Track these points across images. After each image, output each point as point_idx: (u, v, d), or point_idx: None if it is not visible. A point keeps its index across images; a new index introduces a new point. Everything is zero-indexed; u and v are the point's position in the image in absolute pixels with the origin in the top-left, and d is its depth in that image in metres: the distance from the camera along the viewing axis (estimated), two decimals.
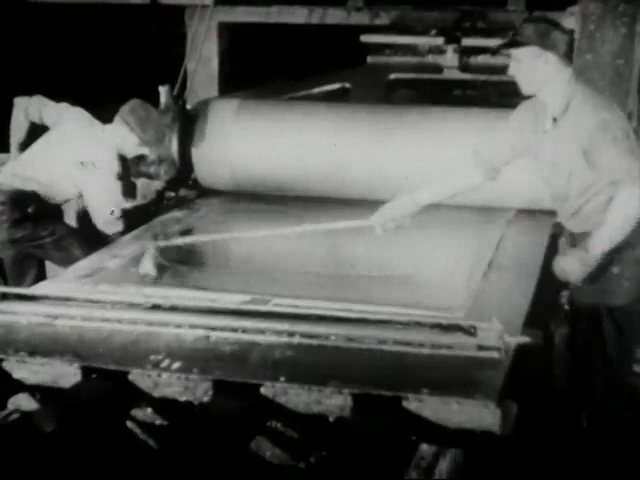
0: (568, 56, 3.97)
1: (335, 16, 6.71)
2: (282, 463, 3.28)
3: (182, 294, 3.83)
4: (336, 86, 6.46)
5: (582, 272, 3.91)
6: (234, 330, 3.44)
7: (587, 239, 3.89)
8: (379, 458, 3.20)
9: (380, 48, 6.91)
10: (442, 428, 2.95)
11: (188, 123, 5.57)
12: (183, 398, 3.12)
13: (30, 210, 4.98)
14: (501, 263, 4.26)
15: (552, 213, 4.50)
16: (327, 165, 5.30)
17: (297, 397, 3.04)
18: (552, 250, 4.66)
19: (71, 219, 5.37)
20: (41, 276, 5.13)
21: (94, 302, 3.68)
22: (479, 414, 2.91)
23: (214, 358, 3.27)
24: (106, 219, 4.96)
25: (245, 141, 5.44)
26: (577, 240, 4.14)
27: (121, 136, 5.00)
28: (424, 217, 4.53)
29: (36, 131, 5.18)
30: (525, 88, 3.99)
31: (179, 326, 3.49)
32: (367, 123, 5.35)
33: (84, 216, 5.20)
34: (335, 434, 3.16)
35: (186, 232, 4.78)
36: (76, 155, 4.92)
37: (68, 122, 5.06)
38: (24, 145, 5.17)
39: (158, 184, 5.65)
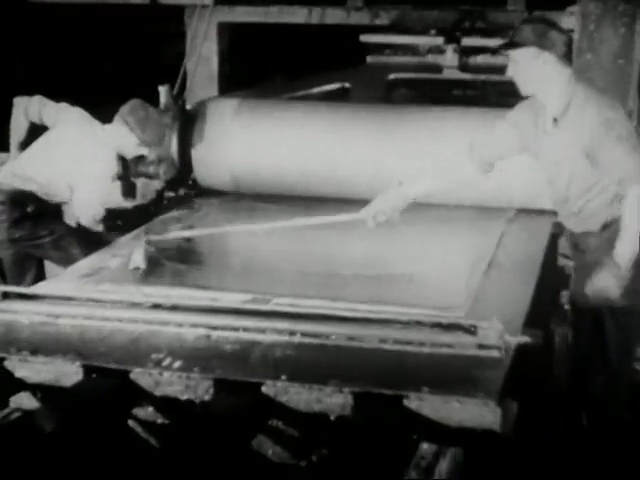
0: (567, 56, 3.97)
1: (335, 16, 6.71)
2: (283, 461, 3.30)
3: (183, 293, 3.84)
4: (336, 86, 6.48)
5: (619, 286, 3.86)
6: (235, 329, 3.45)
7: (612, 253, 3.85)
8: (380, 457, 3.21)
9: (380, 48, 6.93)
10: (443, 427, 2.95)
11: (188, 123, 5.56)
12: (184, 397, 3.12)
13: (29, 210, 4.97)
14: (501, 262, 4.26)
15: (552, 213, 4.51)
16: (327, 165, 5.30)
17: (298, 396, 3.03)
18: (552, 250, 4.67)
19: (70, 219, 5.36)
20: (41, 276, 5.12)
21: (95, 301, 3.69)
22: (479, 413, 2.91)
23: (215, 357, 3.27)
24: (89, 218, 4.96)
25: (245, 141, 5.44)
26: (578, 240, 4.15)
27: (121, 136, 5.00)
28: (425, 216, 4.55)
29: (36, 131, 5.17)
30: (524, 89, 4.00)
31: (180, 325, 3.49)
32: (367, 123, 5.35)
33: None
34: (336, 433, 3.17)
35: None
36: (75, 155, 4.92)
37: (68, 122, 5.06)
38: (24, 145, 5.17)
39: (158, 184, 5.64)
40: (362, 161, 5.24)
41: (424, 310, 3.58)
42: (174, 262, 4.36)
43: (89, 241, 4.92)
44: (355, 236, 4.47)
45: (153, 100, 5.42)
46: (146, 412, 3.33)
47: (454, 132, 5.10)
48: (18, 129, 5.17)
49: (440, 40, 6.54)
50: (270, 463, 3.30)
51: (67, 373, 3.20)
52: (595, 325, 4.12)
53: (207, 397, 3.10)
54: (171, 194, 5.74)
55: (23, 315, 3.60)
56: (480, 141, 4.21)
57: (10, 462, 3.25)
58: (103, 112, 5.09)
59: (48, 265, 5.23)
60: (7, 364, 3.26)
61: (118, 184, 5.40)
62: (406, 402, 2.96)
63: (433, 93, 6.40)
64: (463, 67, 6.49)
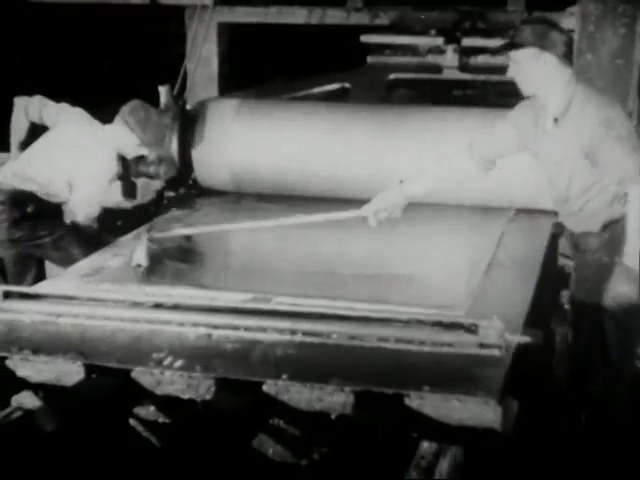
0: (567, 56, 3.97)
1: (335, 16, 6.72)
2: (284, 460, 3.30)
3: (184, 292, 3.85)
4: (336, 86, 6.48)
5: (636, 289, 3.90)
6: (236, 328, 3.46)
7: (621, 255, 3.88)
8: (380, 456, 3.21)
9: (380, 48, 6.92)
10: (443, 425, 2.96)
11: (188, 123, 5.57)
12: (186, 396, 3.13)
13: (29, 210, 4.97)
14: (502, 262, 4.27)
15: (552, 212, 4.51)
16: (327, 165, 5.31)
17: (299, 395, 3.04)
18: (552, 249, 4.68)
19: (67, 216, 5.36)
20: (41, 276, 5.12)
21: (97, 301, 3.70)
22: (480, 411, 2.91)
23: (216, 356, 3.27)
24: (82, 215, 4.96)
25: (245, 141, 5.45)
26: (578, 240, 4.15)
27: (121, 136, 5.00)
28: (425, 216, 4.55)
29: (36, 131, 5.17)
30: (525, 89, 4.00)
31: (181, 324, 3.50)
32: (367, 123, 5.36)
33: None
34: (337, 432, 3.17)
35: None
36: (75, 155, 4.92)
37: (68, 122, 5.05)
38: (24, 145, 5.16)
39: (158, 184, 5.65)
40: (362, 161, 5.24)
41: (425, 309, 3.59)
42: (175, 261, 4.38)
43: (89, 241, 4.92)
44: (356, 236, 4.48)
45: (153, 100, 5.42)
46: (147, 411, 3.34)
47: (454, 132, 5.10)
48: (18, 129, 5.16)
49: (440, 40, 6.54)
50: (271, 462, 3.30)
51: (68, 372, 3.21)
52: (595, 325, 4.12)
53: (208, 396, 3.10)
54: (171, 194, 5.74)
55: (24, 314, 3.61)
56: (480, 140, 4.22)
57: (11, 461, 3.25)
58: (103, 112, 5.09)
59: (48, 265, 5.23)
60: (9, 363, 3.27)
61: (118, 184, 5.40)
62: (407, 401, 2.97)
63: (433, 93, 6.40)
64: (463, 67, 6.48)
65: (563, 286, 4.58)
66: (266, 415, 3.25)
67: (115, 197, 5.42)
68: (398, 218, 4.23)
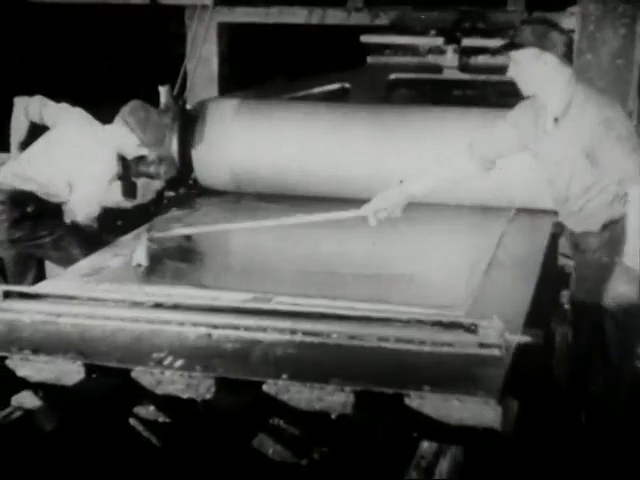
0: (567, 56, 3.97)
1: (335, 16, 6.71)
2: (284, 460, 3.30)
3: (184, 292, 3.85)
4: (336, 86, 6.48)
5: (636, 289, 3.92)
6: (236, 328, 3.46)
7: (622, 258, 3.89)
8: (381, 455, 3.21)
9: (380, 48, 6.91)
10: (443, 425, 2.96)
11: (188, 123, 5.57)
12: (186, 395, 3.13)
13: (29, 210, 4.97)
14: (502, 261, 4.27)
15: (552, 212, 4.51)
16: (327, 165, 5.31)
17: (299, 394, 3.05)
18: (552, 249, 4.68)
19: (67, 216, 5.36)
20: (41, 276, 5.12)
21: (97, 300, 3.70)
22: (480, 411, 2.92)
23: (216, 356, 3.28)
24: (82, 215, 4.96)
25: (245, 141, 5.45)
26: (578, 240, 4.15)
27: (121, 136, 5.00)
28: (425, 216, 4.55)
29: (36, 131, 5.17)
30: (525, 90, 4.00)
31: (181, 324, 3.51)
32: (367, 123, 5.36)
33: None
34: (337, 431, 3.17)
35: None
36: (75, 155, 4.92)
37: (68, 122, 5.05)
38: (24, 144, 5.16)
39: (158, 184, 5.65)
40: (362, 161, 5.25)
41: (425, 309, 3.59)
42: (175, 261, 4.38)
43: (89, 241, 4.92)
44: (355, 235, 4.48)
45: (153, 100, 5.43)
46: (147, 411, 3.34)
47: (454, 132, 5.11)
48: (18, 129, 5.16)
49: (440, 40, 6.54)
50: (271, 462, 3.30)
51: (69, 372, 3.22)
52: (595, 325, 4.12)
53: (208, 396, 3.11)
54: (171, 194, 5.74)
55: (25, 314, 3.62)
56: (480, 140, 4.22)
57: (12, 461, 3.25)
58: (103, 112, 5.10)
59: (48, 265, 5.24)
60: (9, 363, 3.27)
61: (118, 184, 5.40)
62: (407, 400, 2.97)
63: (433, 93, 6.41)
64: (463, 67, 6.48)
65: (563, 286, 4.58)
66: (266, 415, 3.25)
67: (115, 197, 5.43)
68: (398, 218, 4.24)
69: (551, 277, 4.50)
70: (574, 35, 4.81)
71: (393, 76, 6.59)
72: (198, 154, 5.55)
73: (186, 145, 5.55)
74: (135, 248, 4.30)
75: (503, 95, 5.89)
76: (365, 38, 6.87)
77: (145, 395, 3.22)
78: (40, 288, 4.00)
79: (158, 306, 3.65)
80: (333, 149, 5.31)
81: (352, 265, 4.40)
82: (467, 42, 6.47)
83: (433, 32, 6.60)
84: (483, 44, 6.40)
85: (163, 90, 5.64)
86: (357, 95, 6.28)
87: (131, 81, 7.54)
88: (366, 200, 4.25)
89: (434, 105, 5.66)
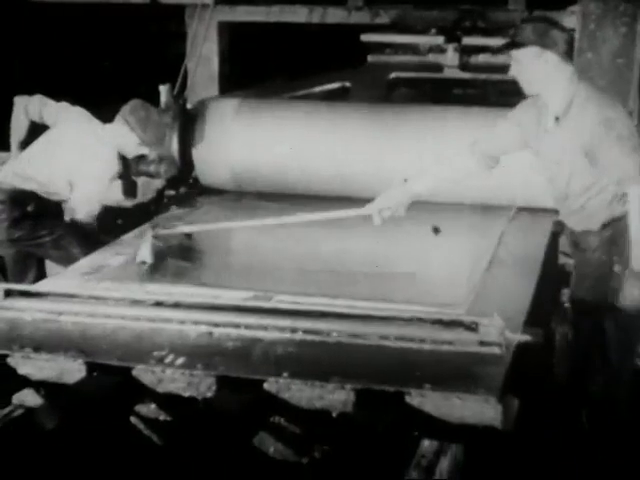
0: (568, 54, 3.97)
1: (336, 15, 6.71)
2: (285, 458, 3.29)
3: (185, 291, 3.85)
4: (336, 85, 6.49)
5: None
6: (237, 326, 3.46)
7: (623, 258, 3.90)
8: (381, 453, 3.21)
9: (380, 47, 6.92)
10: (444, 423, 2.96)
11: (188, 122, 5.57)
12: (187, 394, 3.13)
13: (29, 209, 4.97)
14: (502, 260, 4.27)
15: (553, 211, 4.51)
16: (327, 164, 5.31)
17: (300, 392, 3.05)
18: (553, 248, 4.68)
19: (67, 214, 5.37)
20: (41, 275, 5.13)
21: (98, 299, 3.70)
22: (481, 409, 2.92)
23: (217, 354, 3.28)
24: (83, 213, 4.96)
25: (245, 140, 5.45)
26: (578, 238, 4.15)
27: (121, 135, 5.00)
28: (425, 215, 4.55)
29: (36, 130, 5.18)
30: (527, 88, 4.00)
31: (182, 322, 3.51)
32: (367, 122, 5.36)
33: None
34: (338, 430, 3.18)
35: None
36: (76, 154, 4.93)
37: (68, 121, 5.06)
38: (25, 144, 5.17)
39: (158, 183, 5.65)
40: (363, 160, 5.25)
41: (425, 307, 3.59)
42: (176, 259, 4.38)
43: (89, 240, 4.93)
44: (356, 234, 4.48)
45: (154, 99, 5.43)
46: (148, 409, 3.34)
47: (455, 131, 5.11)
48: (18, 128, 5.17)
49: (441, 39, 6.54)
50: (272, 460, 3.30)
51: (70, 370, 3.22)
52: (595, 324, 4.12)
53: (209, 394, 3.11)
54: (172, 193, 5.74)
55: (26, 312, 3.62)
56: (483, 138, 4.22)
57: (13, 459, 3.25)
58: (103, 112, 5.10)
59: (49, 264, 5.24)
60: (10, 361, 3.27)
61: (119, 183, 5.40)
62: (408, 399, 2.97)
63: (434, 92, 6.41)
64: (464, 66, 6.49)
65: (564, 285, 4.58)
66: (267, 413, 3.25)
67: (116, 196, 5.43)
68: (402, 217, 4.24)
69: (551, 276, 4.50)
70: (575, 34, 4.81)
71: (393, 75, 6.60)
72: (198, 153, 5.55)
73: (186, 144, 5.55)
74: (140, 245, 4.30)
75: (503, 94, 5.91)
76: (365, 37, 6.87)
77: (146, 393, 3.22)
78: (41, 286, 4.00)
79: (159, 304, 3.65)
80: (333, 148, 5.31)
81: (352, 264, 4.40)
82: (467, 41, 6.47)
83: (433, 31, 6.60)
84: (483, 43, 6.41)
85: (163, 89, 5.64)
86: (358, 94, 6.28)
87: (132, 80, 7.56)
88: (367, 199, 4.25)
89: (434, 104, 5.66)
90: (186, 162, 5.58)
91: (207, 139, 5.51)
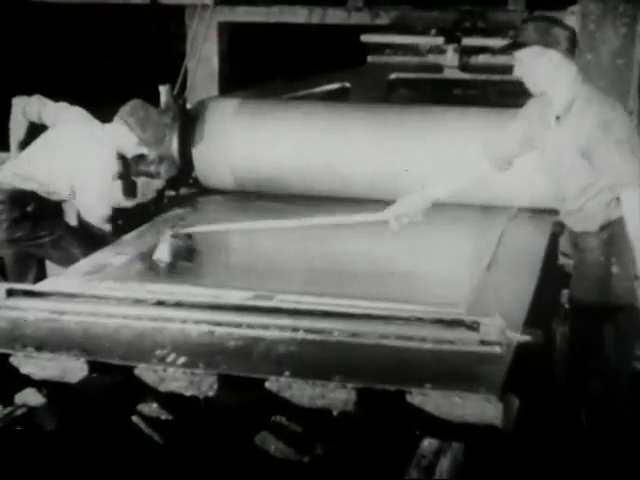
0: (571, 52, 3.93)
1: (335, 16, 6.71)
2: (286, 457, 3.29)
3: (186, 290, 3.86)
4: (336, 86, 6.49)
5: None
6: (239, 325, 3.47)
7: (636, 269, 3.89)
8: (383, 452, 3.22)
9: (380, 48, 6.91)
10: (445, 422, 2.97)
11: (188, 122, 5.58)
12: (189, 392, 3.14)
13: (29, 209, 4.98)
14: (502, 260, 4.28)
15: (553, 211, 4.52)
16: (327, 164, 5.31)
17: (301, 391, 3.05)
18: (553, 248, 4.68)
19: (70, 218, 5.38)
20: (41, 275, 5.13)
21: (100, 298, 3.71)
22: (481, 408, 2.92)
23: (219, 353, 3.29)
24: (96, 218, 4.97)
25: (245, 140, 5.45)
26: (577, 239, 4.15)
27: (121, 135, 5.01)
28: (426, 214, 4.54)
29: (36, 130, 5.19)
30: (532, 88, 3.99)
31: (184, 321, 3.52)
32: (367, 123, 5.36)
33: None
34: (339, 428, 3.18)
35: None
36: (75, 154, 4.93)
37: (67, 122, 5.06)
38: (24, 144, 5.18)
39: (158, 183, 5.65)
40: (363, 160, 5.25)
41: (426, 307, 3.60)
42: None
43: (89, 240, 4.93)
44: (356, 234, 4.49)
45: (154, 100, 5.43)
46: (150, 408, 3.34)
47: (454, 132, 5.12)
48: (17, 129, 5.18)
49: (440, 40, 6.54)
50: (273, 459, 3.31)
51: (72, 369, 3.22)
52: (593, 324, 4.12)
53: (211, 393, 3.11)
54: (172, 193, 5.75)
55: (28, 312, 3.62)
56: (495, 140, 4.22)
57: (16, 458, 3.26)
58: (103, 112, 5.11)
59: (49, 265, 5.25)
60: (12, 360, 3.27)
61: (119, 183, 5.41)
62: (408, 397, 2.97)
63: (434, 93, 6.41)
64: (464, 67, 6.49)
65: (564, 285, 4.58)
66: (268, 412, 3.26)
67: (116, 196, 5.43)
68: (420, 222, 4.25)
69: (552, 276, 4.50)
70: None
71: (393, 76, 6.59)
72: (198, 153, 5.55)
73: (186, 144, 5.55)
74: (158, 244, 4.31)
75: (503, 95, 5.92)
76: (365, 37, 6.87)
77: (148, 392, 3.23)
78: (43, 286, 4.01)
79: (161, 304, 3.66)
80: (333, 148, 5.32)
81: (353, 263, 4.41)
82: (467, 41, 6.46)
83: (433, 31, 6.59)
84: (483, 43, 6.40)
85: (163, 89, 5.64)
86: (357, 95, 6.28)
87: (132, 80, 7.56)
88: (367, 199, 4.25)
89: (434, 105, 5.65)
90: (186, 162, 5.58)
91: (207, 139, 5.51)
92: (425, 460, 3.05)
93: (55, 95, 5.20)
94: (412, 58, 6.79)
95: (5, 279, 5.12)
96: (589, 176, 3.94)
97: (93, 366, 3.22)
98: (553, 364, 4.59)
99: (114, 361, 3.24)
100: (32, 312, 3.62)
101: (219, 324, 3.48)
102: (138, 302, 3.68)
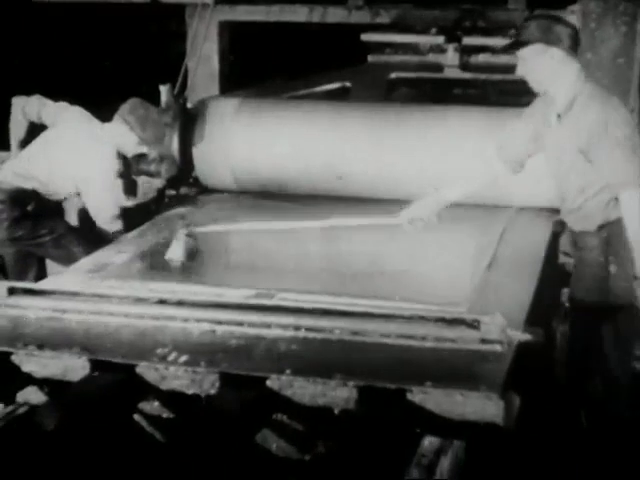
0: (574, 49, 3.94)
1: (336, 15, 6.70)
2: (288, 455, 3.30)
3: (188, 289, 3.87)
4: (337, 85, 6.48)
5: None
6: (240, 324, 3.47)
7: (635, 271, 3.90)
8: (384, 450, 3.22)
9: (381, 47, 6.91)
10: (446, 420, 2.97)
11: (189, 122, 5.58)
12: (190, 391, 3.14)
13: (30, 208, 4.99)
14: (503, 259, 4.28)
15: (554, 210, 4.53)
16: (327, 163, 5.32)
17: (302, 389, 3.05)
18: (553, 247, 4.69)
19: (71, 217, 5.39)
20: (42, 274, 5.14)
21: (101, 296, 3.71)
22: (482, 406, 2.92)
23: (220, 351, 3.29)
24: (107, 218, 4.98)
25: (245, 140, 5.46)
26: (577, 238, 4.16)
27: (120, 134, 5.01)
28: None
29: (36, 130, 5.19)
30: (536, 86, 3.99)
31: (185, 320, 3.52)
32: (368, 122, 5.36)
33: (84, 214, 5.21)
34: (340, 426, 3.19)
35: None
36: (75, 154, 4.94)
37: (67, 121, 5.07)
38: (24, 143, 5.18)
39: (159, 182, 5.66)
40: (363, 160, 5.25)
41: (427, 305, 3.61)
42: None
43: (90, 239, 4.94)
44: (357, 233, 4.49)
45: (154, 99, 5.44)
46: (152, 406, 3.34)
47: (455, 131, 5.13)
48: (17, 129, 5.19)
49: (441, 39, 6.53)
50: (275, 457, 3.31)
51: (74, 368, 3.22)
52: (592, 323, 4.13)
53: (212, 391, 3.12)
54: (172, 192, 5.75)
55: (29, 310, 3.63)
56: (507, 141, 4.21)
57: (18, 457, 3.26)
58: (103, 112, 5.11)
59: (49, 264, 5.25)
60: (14, 358, 3.28)
61: (119, 182, 5.41)
62: (410, 396, 2.98)
63: (434, 92, 6.41)
64: (464, 66, 6.48)
65: (564, 284, 4.59)
66: (270, 410, 3.26)
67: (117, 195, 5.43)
68: (433, 226, 4.26)
69: (552, 275, 4.51)
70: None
71: (394, 75, 6.59)
72: (199, 153, 5.56)
73: (187, 144, 5.55)
74: (172, 243, 4.31)
75: (504, 94, 5.92)
76: (366, 37, 6.87)
77: (150, 391, 3.22)
78: (45, 284, 4.02)
79: (162, 302, 3.66)
80: (334, 148, 5.32)
81: (354, 262, 4.42)
82: (468, 41, 6.45)
83: (434, 30, 6.59)
84: (484, 43, 6.40)
85: (164, 89, 5.65)
86: (358, 94, 6.28)
87: (132, 80, 7.56)
88: (367, 199, 4.26)
89: (435, 104, 5.66)
90: (186, 162, 5.58)
91: (207, 138, 5.52)
92: (426, 459, 3.03)
93: (55, 95, 5.20)
94: (412, 57, 6.78)
95: (6, 278, 5.13)
96: (589, 175, 3.94)
97: (95, 364, 3.22)
98: (553, 363, 4.59)
99: (116, 359, 3.24)
100: (33, 310, 3.62)
101: (220, 322, 3.48)
102: (140, 300, 3.68)
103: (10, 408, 3.34)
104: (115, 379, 3.24)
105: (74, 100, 5.19)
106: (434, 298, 3.75)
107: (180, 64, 6.12)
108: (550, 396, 4.29)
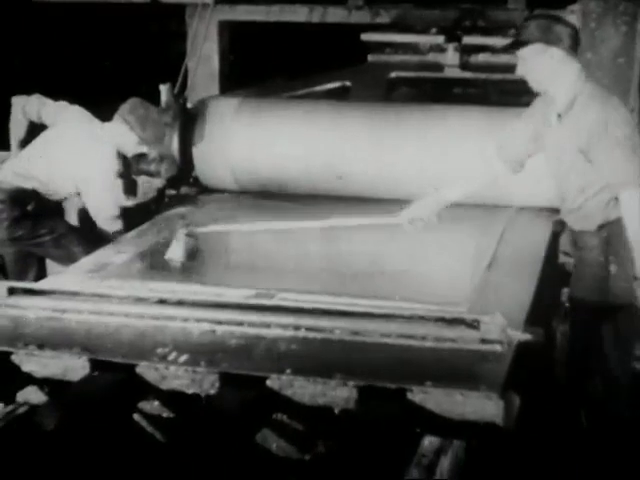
0: (574, 49, 3.94)
1: (336, 15, 6.70)
2: (288, 455, 3.30)
3: (188, 289, 3.87)
4: (337, 85, 6.48)
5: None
6: (240, 324, 3.47)
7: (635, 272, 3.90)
8: (384, 450, 3.22)
9: (381, 47, 6.90)
10: (446, 420, 2.97)
11: (189, 121, 5.58)
12: (190, 391, 3.14)
13: (30, 208, 4.99)
14: (503, 259, 4.28)
15: (554, 210, 4.53)
16: (328, 163, 5.32)
17: (302, 389, 3.06)
18: (553, 247, 4.69)
19: (71, 217, 5.39)
20: (42, 274, 5.14)
21: (101, 296, 3.71)
22: (482, 405, 2.93)
23: (220, 351, 3.29)
24: (107, 218, 4.98)
25: (245, 139, 5.46)
26: (576, 237, 4.16)
27: (120, 134, 5.02)
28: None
29: (36, 129, 5.19)
30: (536, 86, 3.99)
31: (185, 320, 3.52)
32: (368, 121, 5.36)
33: (84, 214, 5.21)
34: (340, 426, 3.19)
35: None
36: (75, 154, 4.94)
37: (67, 121, 5.07)
38: (24, 143, 5.19)
39: (159, 182, 5.66)
40: (363, 159, 5.25)
41: (427, 305, 3.61)
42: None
43: (90, 239, 4.94)
44: (357, 233, 4.49)
45: (154, 99, 5.44)
46: (152, 406, 3.34)
47: (455, 130, 5.13)
48: (17, 128, 5.19)
49: (441, 39, 6.53)
50: (275, 457, 3.31)
51: (74, 367, 3.23)
52: (592, 323, 4.13)
53: (212, 391, 3.12)
54: (172, 192, 5.75)
55: (29, 310, 3.63)
56: (507, 141, 4.21)
57: (18, 456, 3.26)
58: (103, 111, 5.11)
59: (49, 264, 5.25)
60: (14, 358, 3.28)
61: (119, 182, 5.41)
62: (410, 395, 2.98)
63: (434, 92, 6.40)
64: (464, 66, 6.48)
65: (564, 283, 4.59)
66: (270, 410, 3.26)
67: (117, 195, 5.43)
68: (434, 224, 4.26)
69: (552, 275, 4.51)
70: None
71: (394, 74, 6.58)
72: (199, 152, 5.56)
73: (187, 143, 5.55)
74: (172, 243, 4.31)
75: (504, 93, 5.92)
76: (366, 36, 6.86)
77: (150, 390, 3.22)
78: (45, 284, 4.02)
79: (162, 302, 3.66)
80: (334, 147, 5.32)
81: (354, 262, 4.42)
82: (468, 40, 6.45)
83: (434, 30, 6.58)
84: (484, 42, 6.40)
85: (164, 88, 5.65)
86: (358, 93, 6.27)
87: (132, 80, 7.56)
88: (367, 198, 4.26)
89: (435, 103, 5.66)
90: (186, 161, 5.58)
91: (207, 138, 5.52)
92: (426, 459, 3.03)
93: (55, 94, 5.21)
94: (412, 57, 6.78)
95: (6, 278, 5.13)
96: (589, 175, 3.95)
97: (95, 364, 3.22)
98: (553, 363, 4.59)
99: (116, 359, 3.24)
100: (33, 310, 3.62)
101: (220, 322, 3.48)
102: (140, 300, 3.69)
103: (10, 408, 3.34)
104: (115, 379, 3.24)
105: (74, 100, 5.19)
106: (434, 298, 3.75)
107: (180, 64, 6.12)
108: (550, 396, 4.29)
